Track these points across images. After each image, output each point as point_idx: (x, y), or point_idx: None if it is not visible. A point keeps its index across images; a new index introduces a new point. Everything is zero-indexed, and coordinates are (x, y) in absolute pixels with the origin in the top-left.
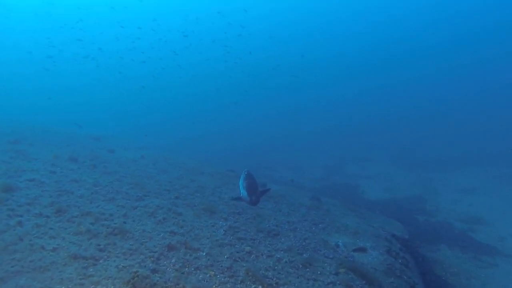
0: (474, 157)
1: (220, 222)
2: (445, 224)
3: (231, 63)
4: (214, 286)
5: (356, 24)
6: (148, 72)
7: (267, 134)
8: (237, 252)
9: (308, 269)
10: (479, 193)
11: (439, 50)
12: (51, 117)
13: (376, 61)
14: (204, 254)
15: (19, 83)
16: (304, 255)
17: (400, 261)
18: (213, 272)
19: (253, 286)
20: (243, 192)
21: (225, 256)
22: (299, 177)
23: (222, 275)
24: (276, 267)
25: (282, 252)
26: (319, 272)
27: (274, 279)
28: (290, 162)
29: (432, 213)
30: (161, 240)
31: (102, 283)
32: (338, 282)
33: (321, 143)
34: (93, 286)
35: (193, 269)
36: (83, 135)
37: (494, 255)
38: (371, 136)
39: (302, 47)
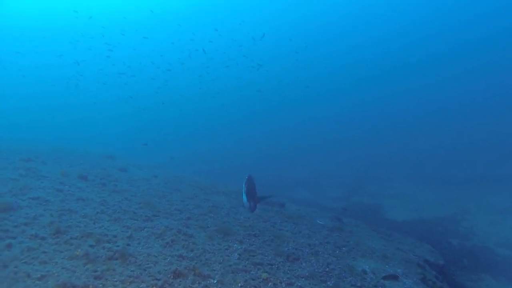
0: (510, 174)
1: (235, 245)
2: (484, 249)
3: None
4: None
5: (367, 32)
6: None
7: (283, 150)
8: (253, 280)
9: None
10: None
11: (465, 56)
12: (74, 136)
13: (395, 69)
14: (215, 281)
15: (47, 102)
16: (328, 283)
17: None
18: None
19: None
20: (244, 197)
21: (239, 284)
22: (318, 196)
23: None
24: None
25: (303, 279)
26: None
27: None
28: (309, 181)
29: (467, 236)
30: (167, 266)
31: None
32: None
33: (340, 159)
34: None
35: None
36: (98, 154)
37: None
38: (392, 152)
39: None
